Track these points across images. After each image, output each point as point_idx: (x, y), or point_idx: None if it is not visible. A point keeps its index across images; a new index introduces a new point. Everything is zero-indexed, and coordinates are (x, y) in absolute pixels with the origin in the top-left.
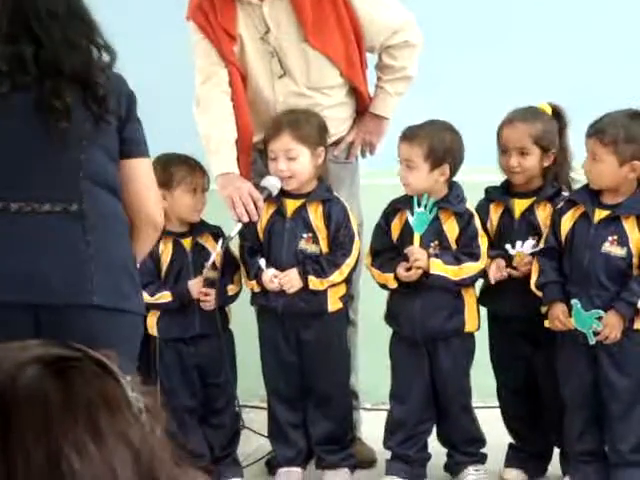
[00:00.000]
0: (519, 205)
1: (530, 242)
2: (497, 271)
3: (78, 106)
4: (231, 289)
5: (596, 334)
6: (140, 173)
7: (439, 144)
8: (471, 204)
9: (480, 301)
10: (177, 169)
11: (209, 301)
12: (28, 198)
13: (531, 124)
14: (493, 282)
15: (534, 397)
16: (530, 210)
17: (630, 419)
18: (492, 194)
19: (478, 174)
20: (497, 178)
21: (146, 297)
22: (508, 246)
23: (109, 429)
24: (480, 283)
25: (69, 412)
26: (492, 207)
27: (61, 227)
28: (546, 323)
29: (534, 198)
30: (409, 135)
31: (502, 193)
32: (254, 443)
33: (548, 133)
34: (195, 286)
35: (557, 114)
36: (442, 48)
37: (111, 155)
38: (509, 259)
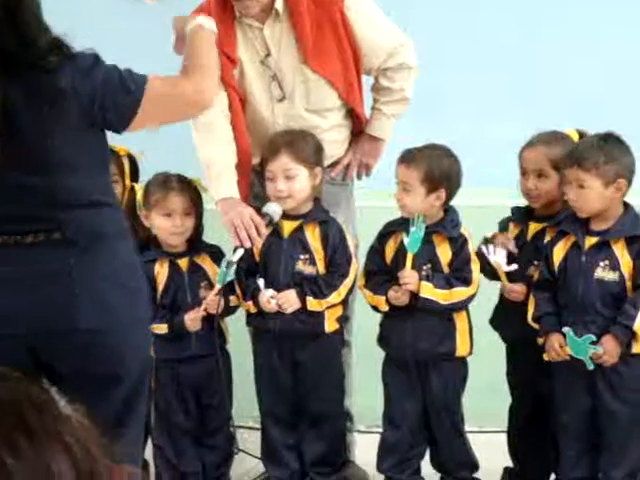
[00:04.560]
0: (533, 229)
1: (502, 252)
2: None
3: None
4: (233, 300)
5: (593, 359)
6: (158, 91)
7: (436, 168)
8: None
9: (491, 324)
10: (153, 191)
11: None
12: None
13: (551, 147)
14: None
15: (541, 422)
16: (541, 234)
17: (627, 446)
18: (515, 215)
19: (476, 198)
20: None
21: None
22: (484, 247)
23: (39, 426)
24: (492, 307)
25: None
26: (511, 227)
27: (45, 256)
28: (544, 356)
29: (546, 223)
30: (407, 158)
31: (524, 215)
32: (247, 464)
33: None
34: (193, 322)
35: None
36: (442, 72)
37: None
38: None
